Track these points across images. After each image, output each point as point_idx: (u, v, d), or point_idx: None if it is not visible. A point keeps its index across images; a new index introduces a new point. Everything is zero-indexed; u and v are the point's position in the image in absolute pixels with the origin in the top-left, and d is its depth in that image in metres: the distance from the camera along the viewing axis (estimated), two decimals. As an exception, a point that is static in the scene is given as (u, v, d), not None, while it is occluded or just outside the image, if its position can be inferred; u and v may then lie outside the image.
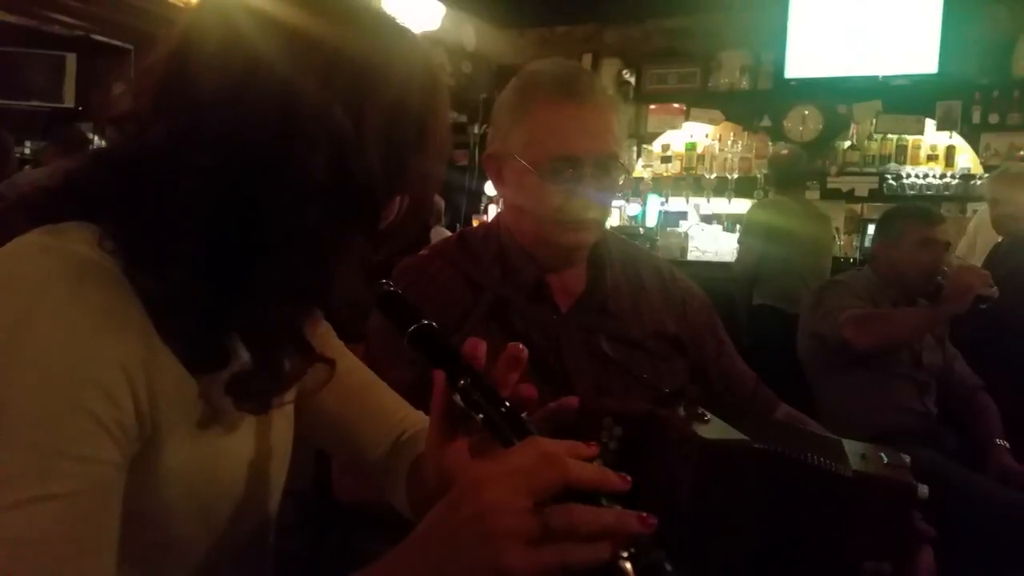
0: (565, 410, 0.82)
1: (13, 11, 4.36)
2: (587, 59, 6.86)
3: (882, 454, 1.02)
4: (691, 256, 5.53)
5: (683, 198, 6.33)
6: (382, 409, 0.96)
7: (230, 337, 0.71)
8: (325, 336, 0.92)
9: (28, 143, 5.13)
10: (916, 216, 2.52)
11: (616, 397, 1.17)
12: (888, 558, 0.96)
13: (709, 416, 0.99)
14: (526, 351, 0.70)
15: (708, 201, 6.25)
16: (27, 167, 4.66)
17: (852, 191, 5.77)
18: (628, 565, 0.55)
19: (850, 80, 5.72)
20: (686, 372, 1.33)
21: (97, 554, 0.62)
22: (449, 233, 3.78)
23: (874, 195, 5.65)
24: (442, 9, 5.30)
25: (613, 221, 6.33)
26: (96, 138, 4.54)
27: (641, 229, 6.14)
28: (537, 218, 1.24)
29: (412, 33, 0.77)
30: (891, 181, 5.67)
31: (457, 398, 0.67)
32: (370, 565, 0.60)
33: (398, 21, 0.76)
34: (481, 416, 0.65)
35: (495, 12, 6.55)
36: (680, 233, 5.67)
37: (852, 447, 1.03)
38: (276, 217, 0.66)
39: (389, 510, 0.95)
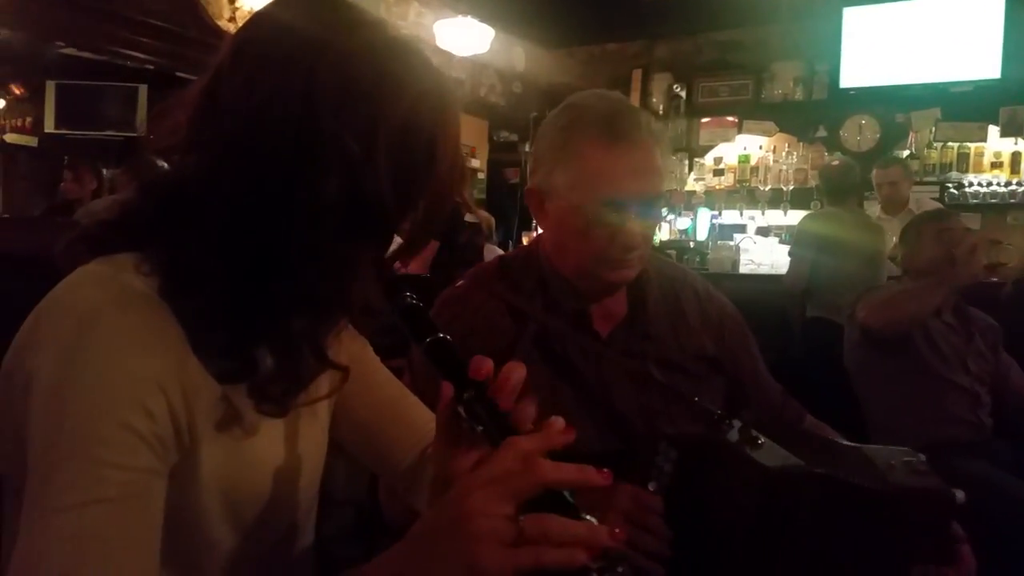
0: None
1: (86, 48, 4.59)
2: (637, 75, 6.90)
3: (905, 458, 1.03)
4: (745, 269, 5.46)
5: (737, 211, 6.30)
6: (411, 421, 1.00)
7: (255, 347, 0.77)
8: (359, 351, 0.97)
9: (104, 171, 5.38)
10: (927, 217, 2.73)
11: (669, 421, 1.19)
12: (933, 561, 0.99)
13: (763, 440, 1.02)
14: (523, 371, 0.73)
15: (763, 213, 6.19)
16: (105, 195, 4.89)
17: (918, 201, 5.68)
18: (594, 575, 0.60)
19: (908, 88, 5.64)
20: (723, 391, 1.34)
21: (142, 551, 0.68)
22: (501, 251, 3.84)
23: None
24: (491, 33, 5.38)
25: (663, 235, 6.34)
26: (165, 165, 4.74)
27: (691, 243, 6.11)
28: (581, 255, 1.23)
29: (424, 56, 0.79)
30: (953, 190, 5.56)
31: (461, 409, 0.71)
32: (365, 563, 0.66)
33: (411, 44, 0.78)
34: (480, 428, 0.69)
35: (544, 33, 6.65)
36: (731, 246, 5.60)
37: (876, 454, 1.05)
38: (294, 236, 0.71)
39: None
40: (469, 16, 5.30)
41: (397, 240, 0.84)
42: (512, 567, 0.59)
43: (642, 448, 1.08)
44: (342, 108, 0.71)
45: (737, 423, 1.03)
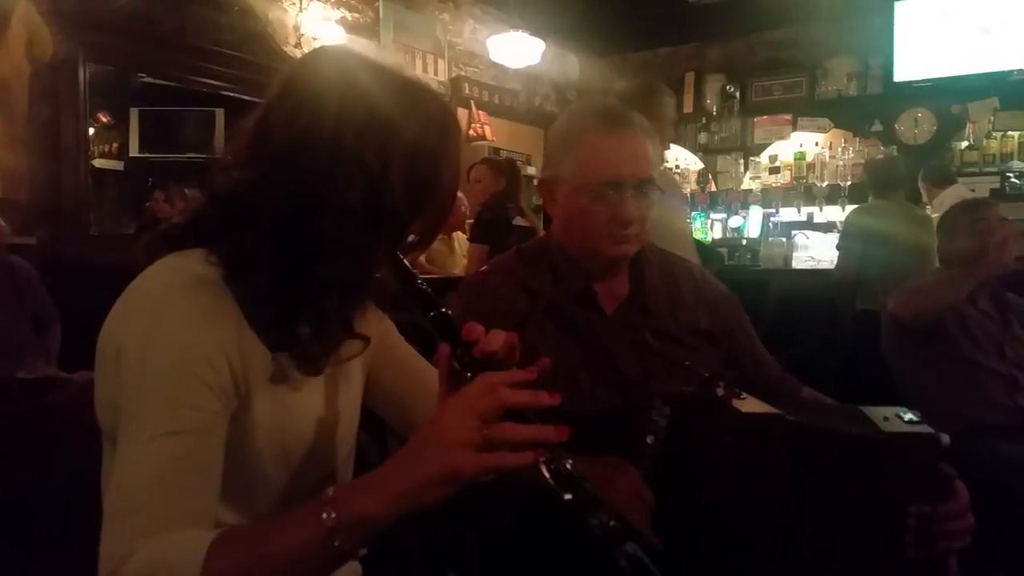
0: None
1: (165, 78, 4.91)
2: (690, 77, 6.99)
3: (899, 414, 1.13)
4: (805, 265, 5.46)
5: (794, 208, 6.30)
6: (431, 387, 1.12)
7: (297, 322, 0.93)
8: (387, 332, 1.15)
9: (186, 191, 5.71)
10: (964, 207, 2.74)
11: (663, 382, 1.30)
12: (927, 500, 1.08)
13: (745, 395, 1.14)
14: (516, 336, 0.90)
15: (821, 210, 6.18)
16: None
17: (972, 191, 5.59)
18: (543, 468, 0.79)
19: (964, 79, 5.61)
20: (718, 361, 1.46)
21: (208, 475, 0.85)
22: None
23: (996, 195, 5.39)
24: (542, 45, 5.55)
25: (716, 234, 6.39)
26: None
27: (744, 240, 6.16)
28: (585, 233, 1.39)
29: (431, 90, 0.99)
30: (1014, 179, 5.46)
31: (455, 363, 0.88)
32: (372, 470, 0.82)
33: (420, 82, 0.98)
34: (469, 375, 0.85)
35: (597, 42, 6.80)
36: (783, 242, 5.62)
37: (874, 412, 1.14)
38: (327, 234, 0.87)
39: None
40: (521, 31, 5.47)
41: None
42: (480, 466, 0.77)
43: (640, 406, 1.22)
44: (364, 133, 0.89)
45: (722, 382, 1.16)
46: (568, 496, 0.78)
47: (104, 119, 6.76)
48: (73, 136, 4.10)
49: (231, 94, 4.98)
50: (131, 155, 6.92)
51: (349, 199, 0.87)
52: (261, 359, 0.92)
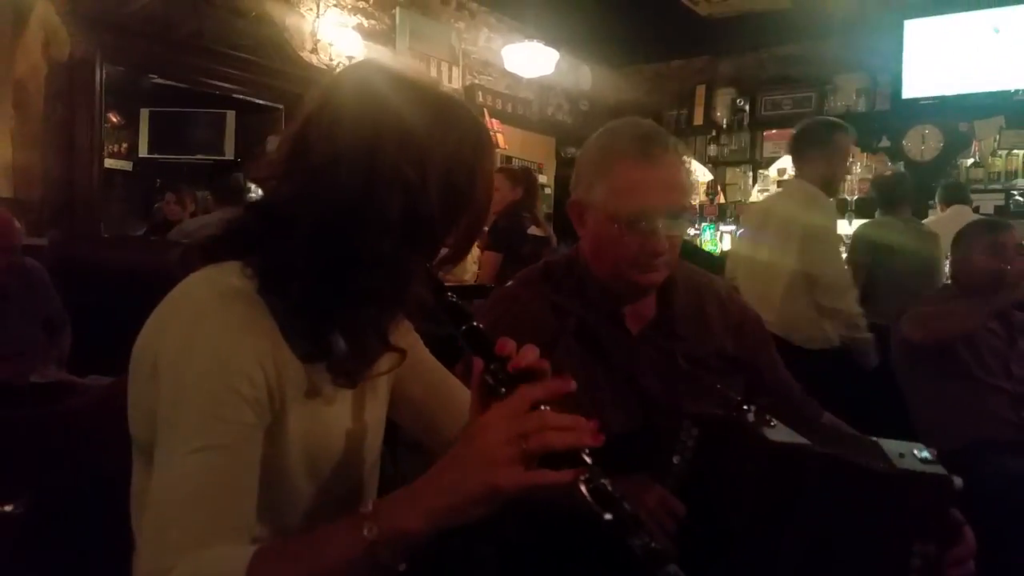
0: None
1: (174, 78, 4.91)
2: (701, 90, 7.01)
3: (915, 451, 1.14)
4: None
5: (801, 221, 6.31)
6: (456, 400, 1.15)
7: (331, 334, 0.93)
8: (413, 344, 1.13)
9: (196, 193, 5.72)
10: (982, 227, 2.72)
11: (691, 404, 1.28)
12: (933, 541, 1.08)
13: (776, 423, 1.14)
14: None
15: (828, 224, 6.20)
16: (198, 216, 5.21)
17: (977, 208, 5.60)
18: (583, 487, 0.78)
19: (971, 97, 5.63)
20: (742, 385, 1.46)
21: (246, 490, 0.85)
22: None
23: (1000, 212, 5.44)
24: (556, 55, 5.57)
25: (725, 246, 6.41)
26: (252, 186, 5.04)
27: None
28: (615, 260, 1.37)
29: (465, 107, 0.98)
30: (1019, 197, 5.47)
31: (488, 377, 0.87)
32: (405, 486, 0.82)
33: (455, 98, 0.98)
34: (504, 390, 0.84)
35: (610, 53, 6.82)
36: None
37: (889, 446, 1.15)
38: (364, 247, 0.87)
39: None
40: (535, 40, 5.49)
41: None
42: (521, 483, 0.77)
43: (668, 426, 1.22)
44: (402, 147, 0.89)
45: (753, 407, 1.16)
46: (608, 516, 0.78)
47: (114, 119, 6.79)
48: (87, 136, 4.11)
49: (242, 97, 4.99)
50: (140, 155, 6.98)
51: (387, 212, 0.88)
52: (296, 372, 0.92)
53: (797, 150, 3.23)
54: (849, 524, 1.09)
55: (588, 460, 0.80)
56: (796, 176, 3.29)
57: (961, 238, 2.72)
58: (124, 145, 7.07)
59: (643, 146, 1.35)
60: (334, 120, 0.91)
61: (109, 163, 7.09)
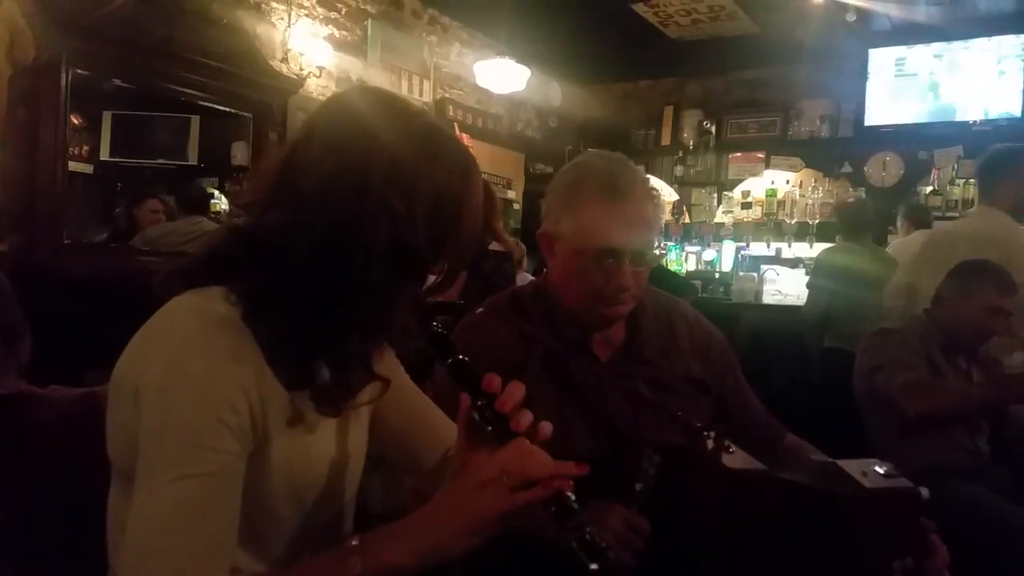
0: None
1: (143, 84, 4.84)
2: (669, 111, 7.10)
3: (875, 467, 1.16)
4: (772, 299, 5.60)
5: (764, 243, 6.43)
6: (436, 428, 1.18)
7: (316, 362, 0.93)
8: (394, 370, 1.13)
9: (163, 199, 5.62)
10: (993, 280, 2.51)
11: (654, 431, 1.34)
12: (910, 555, 1.11)
13: (734, 448, 1.17)
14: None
15: (790, 246, 6.31)
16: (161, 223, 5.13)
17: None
18: (570, 538, 0.83)
19: (930, 126, 5.80)
20: (709, 409, 1.50)
21: (228, 516, 0.86)
22: (532, 278, 4.02)
23: (956, 239, 5.60)
24: (528, 72, 5.60)
25: (690, 266, 6.50)
26: (216, 192, 4.98)
27: (717, 273, 6.29)
28: (581, 292, 1.40)
29: (453, 137, 1.00)
30: (974, 225, 5.63)
31: (475, 414, 0.89)
32: (397, 521, 0.85)
33: (443, 128, 0.98)
34: (489, 428, 0.87)
35: (580, 71, 6.87)
36: (754, 277, 5.77)
37: (848, 465, 1.17)
38: (351, 276, 0.88)
39: None
40: (507, 57, 5.51)
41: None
42: (507, 524, 0.81)
43: (630, 454, 1.25)
44: (390, 178, 0.89)
45: (712, 434, 1.19)
46: (594, 566, 0.81)
47: (76, 121, 6.64)
48: (51, 141, 4.05)
49: (208, 104, 4.94)
50: (101, 158, 6.84)
51: (375, 242, 0.88)
52: (279, 400, 0.92)
53: (985, 177, 3.19)
54: (818, 548, 1.11)
55: (575, 506, 0.83)
56: (983, 204, 3.22)
57: (968, 279, 2.55)
58: (85, 147, 6.88)
59: (609, 183, 1.37)
60: (322, 150, 0.91)
61: (71, 166, 6.96)
